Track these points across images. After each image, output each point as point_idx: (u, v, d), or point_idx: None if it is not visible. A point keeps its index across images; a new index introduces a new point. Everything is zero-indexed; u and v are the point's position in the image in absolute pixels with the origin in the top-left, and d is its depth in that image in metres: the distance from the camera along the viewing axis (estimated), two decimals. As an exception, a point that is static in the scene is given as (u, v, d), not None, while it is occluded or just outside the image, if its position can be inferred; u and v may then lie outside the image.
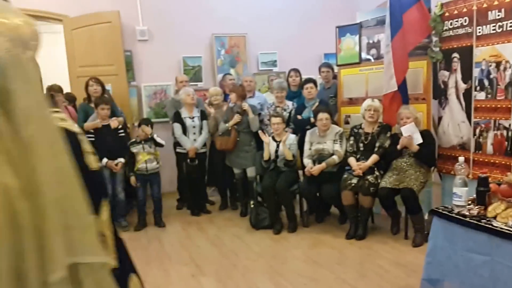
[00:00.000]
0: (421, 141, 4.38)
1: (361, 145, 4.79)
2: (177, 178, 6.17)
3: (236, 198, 5.99)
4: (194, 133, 5.64)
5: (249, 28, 7.10)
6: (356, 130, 4.88)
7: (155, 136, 5.40)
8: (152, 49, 6.81)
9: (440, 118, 4.78)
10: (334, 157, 4.84)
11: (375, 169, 4.64)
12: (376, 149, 4.69)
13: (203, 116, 5.73)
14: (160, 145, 5.38)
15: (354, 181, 4.61)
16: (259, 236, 4.88)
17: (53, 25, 6.94)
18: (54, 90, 5.30)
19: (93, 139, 5.11)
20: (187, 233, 5.13)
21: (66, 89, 6.18)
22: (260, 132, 5.15)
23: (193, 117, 5.64)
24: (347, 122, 5.52)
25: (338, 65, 5.73)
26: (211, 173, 5.99)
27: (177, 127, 5.61)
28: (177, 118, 5.63)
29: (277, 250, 4.51)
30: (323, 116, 4.87)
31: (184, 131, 5.62)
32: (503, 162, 4.08)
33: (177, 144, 5.78)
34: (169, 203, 6.28)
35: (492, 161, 4.19)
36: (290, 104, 5.57)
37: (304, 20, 7.32)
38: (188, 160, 5.62)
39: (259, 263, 4.14)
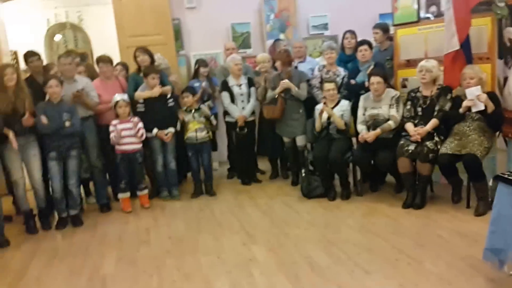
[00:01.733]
0: (483, 108, 4.07)
1: (419, 109, 4.51)
2: (227, 148, 6.13)
3: (287, 167, 5.86)
4: (242, 101, 5.54)
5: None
6: (413, 94, 4.60)
7: (202, 106, 5.36)
8: (200, 17, 6.74)
9: (505, 79, 4.40)
10: (390, 122, 4.59)
11: (435, 134, 4.36)
12: (435, 113, 4.40)
13: (251, 83, 5.60)
14: (208, 118, 5.33)
15: (412, 147, 4.35)
16: (310, 205, 4.77)
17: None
18: (103, 60, 5.30)
19: (143, 109, 5.14)
20: (237, 202, 5.08)
21: (117, 59, 6.20)
22: (323, 105, 4.90)
23: (240, 85, 5.52)
24: (404, 86, 5.22)
25: (394, 25, 5.40)
26: (261, 142, 5.88)
27: (225, 95, 5.53)
28: (225, 86, 5.54)
29: (330, 219, 4.37)
30: (374, 80, 4.61)
31: (233, 99, 5.51)
32: None
33: (226, 113, 5.70)
34: (220, 172, 6.28)
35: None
36: (342, 71, 5.34)
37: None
38: (237, 129, 5.53)
39: (311, 232, 4.03)
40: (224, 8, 6.73)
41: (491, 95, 4.19)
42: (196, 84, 5.73)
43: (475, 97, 4.08)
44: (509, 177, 2.76)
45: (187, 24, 6.76)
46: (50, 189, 4.76)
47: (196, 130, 5.25)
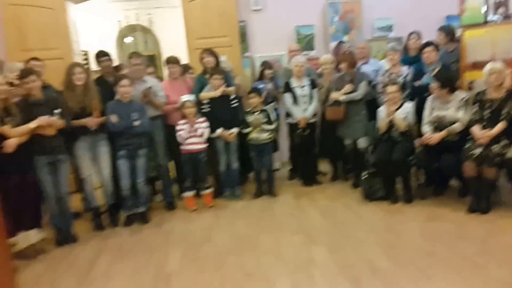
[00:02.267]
0: None
1: (486, 112, 4.38)
2: (289, 149, 6.21)
3: (348, 169, 5.87)
4: (305, 102, 5.58)
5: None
6: (480, 96, 4.47)
7: (267, 108, 5.47)
8: (266, 19, 6.85)
9: None
10: (456, 124, 4.50)
11: (502, 137, 4.23)
12: (502, 116, 4.26)
13: (313, 85, 5.64)
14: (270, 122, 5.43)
15: (478, 151, 4.25)
16: (371, 208, 4.75)
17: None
18: (171, 61, 5.53)
19: (207, 110, 5.31)
20: (298, 203, 5.14)
21: (185, 61, 6.41)
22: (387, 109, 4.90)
23: (303, 86, 5.58)
24: (470, 88, 5.08)
25: (461, 27, 5.27)
26: (322, 144, 5.90)
27: (288, 97, 5.60)
28: (287, 88, 5.61)
29: (391, 222, 4.34)
30: (434, 85, 4.59)
31: (295, 101, 5.58)
32: None
33: (288, 114, 5.78)
34: (281, 173, 6.37)
35: None
36: (405, 69, 5.29)
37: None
38: (299, 131, 5.59)
39: (371, 235, 4.02)
40: (289, 10, 6.82)
41: None
42: (261, 86, 5.86)
43: None
44: None
45: (252, 26, 6.89)
46: (119, 187, 4.92)
47: (258, 132, 5.37)
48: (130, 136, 4.74)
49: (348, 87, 5.27)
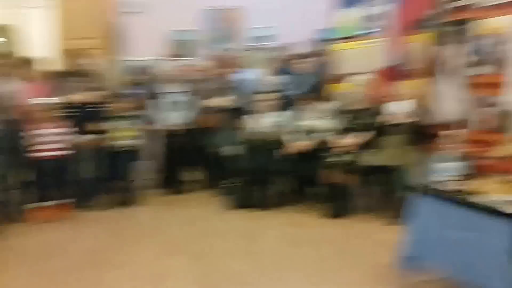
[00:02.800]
0: (410, 120, 4.18)
1: (348, 122, 4.61)
2: (157, 156, 5.98)
3: (215, 177, 5.77)
4: (180, 109, 5.48)
5: (245, 1, 6.84)
6: (344, 107, 4.70)
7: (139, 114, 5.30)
8: (142, 23, 6.62)
9: (438, 94, 4.56)
10: (321, 134, 4.67)
11: (362, 146, 4.47)
12: (364, 126, 4.50)
13: (188, 91, 5.54)
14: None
15: (336, 158, 4.46)
16: (236, 216, 4.76)
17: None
18: (29, 63, 5.14)
19: (71, 113, 4.96)
20: (162, 213, 4.97)
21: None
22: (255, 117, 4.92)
23: (177, 92, 5.49)
24: (335, 99, 5.27)
25: (333, 40, 5.49)
26: (190, 152, 5.75)
27: (160, 103, 5.48)
28: (161, 93, 5.50)
29: (254, 229, 4.36)
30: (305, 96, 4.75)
31: (167, 107, 5.45)
32: (491, 139, 3.91)
33: (158, 120, 5.58)
34: (147, 181, 6.13)
35: (479, 138, 4.03)
36: (279, 80, 5.38)
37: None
38: (168, 137, 5.47)
39: (234, 242, 4.01)
40: (168, 15, 6.66)
41: (421, 108, 4.36)
42: (132, 91, 5.65)
43: (397, 112, 4.19)
44: (425, 188, 2.91)
45: (127, 29, 6.64)
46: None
47: (123, 138, 5.13)
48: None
49: (222, 96, 5.25)
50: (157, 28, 6.61)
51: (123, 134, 5.13)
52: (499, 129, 3.83)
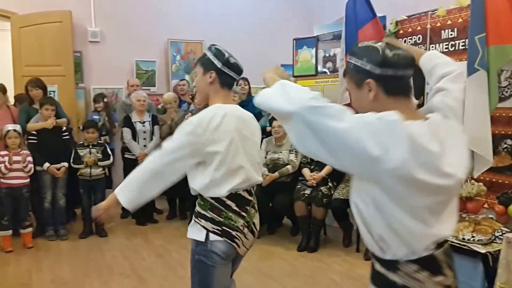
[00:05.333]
0: None
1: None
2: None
3: (186, 207, 5.76)
4: (145, 138, 5.43)
5: (206, 36, 6.99)
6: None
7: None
8: (104, 51, 6.59)
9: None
10: (288, 167, 4.75)
11: (329, 180, 4.59)
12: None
13: (155, 121, 5.51)
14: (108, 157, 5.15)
15: (308, 192, 4.54)
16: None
17: (0, 22, 6.62)
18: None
19: (35, 141, 4.85)
20: (131, 244, 4.87)
21: (10, 88, 5.82)
22: None
23: (143, 122, 5.43)
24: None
25: (294, 76, 5.69)
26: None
27: (127, 131, 5.37)
28: (127, 122, 5.40)
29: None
30: (276, 123, 4.78)
31: (134, 136, 5.38)
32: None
33: (125, 149, 5.52)
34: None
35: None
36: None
37: (263, 30, 7.32)
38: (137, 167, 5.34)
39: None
40: (129, 44, 6.66)
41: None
42: (96, 117, 5.57)
43: None
44: None
45: (89, 57, 6.57)
46: None
47: (90, 166, 5.02)
48: None
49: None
50: (120, 58, 6.59)
51: (93, 162, 5.02)
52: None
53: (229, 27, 7.13)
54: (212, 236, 2.09)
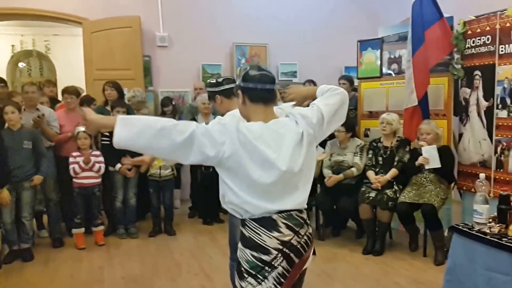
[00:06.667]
0: (439, 165, 4.27)
1: (380, 158, 4.69)
2: (190, 186, 6.10)
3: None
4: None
5: (270, 38, 7.10)
6: (375, 144, 4.78)
7: None
8: (172, 55, 6.83)
9: (460, 135, 4.70)
10: (353, 169, 4.73)
11: (394, 183, 4.53)
12: (395, 163, 4.59)
13: (220, 123, 5.62)
14: None
15: (373, 194, 4.49)
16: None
17: (72, 27, 7.00)
18: (68, 92, 5.26)
19: (108, 142, 5.07)
20: (198, 243, 5.01)
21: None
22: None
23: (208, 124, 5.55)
24: (366, 135, 5.42)
25: (358, 78, 5.66)
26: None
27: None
28: (193, 124, 5.54)
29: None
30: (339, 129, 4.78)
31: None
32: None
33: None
34: (181, 211, 6.21)
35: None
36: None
37: (326, 33, 7.31)
38: (203, 168, 5.51)
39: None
40: (196, 49, 6.87)
41: (445, 149, 4.43)
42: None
43: (429, 155, 4.27)
44: (464, 229, 2.86)
45: (157, 61, 6.83)
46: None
47: (160, 167, 5.20)
48: (16, 167, 4.37)
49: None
50: (187, 62, 6.80)
51: (159, 164, 5.15)
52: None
53: (292, 30, 7.20)
54: None
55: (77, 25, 6.66)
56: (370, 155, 4.75)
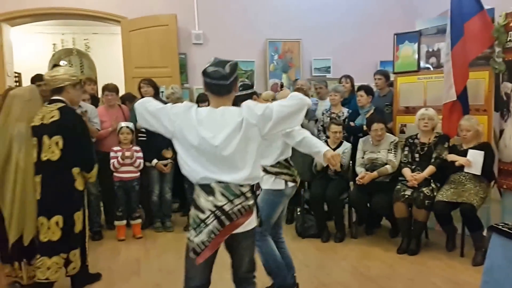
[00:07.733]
0: (479, 173, 4.16)
1: (416, 155, 4.57)
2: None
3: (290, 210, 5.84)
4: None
5: (303, 34, 7.08)
6: (411, 140, 4.67)
7: None
8: (206, 53, 6.84)
9: (501, 131, 4.51)
10: (387, 166, 4.65)
11: (431, 181, 4.42)
12: (432, 160, 4.46)
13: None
14: None
15: (408, 192, 4.39)
16: (304, 245, 4.75)
17: (111, 26, 7.14)
18: (109, 89, 5.38)
19: (144, 138, 5.18)
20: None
21: (121, 88, 6.29)
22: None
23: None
24: (402, 131, 5.31)
25: (395, 73, 5.54)
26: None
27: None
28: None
29: (323, 260, 4.35)
30: (378, 126, 4.69)
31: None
32: None
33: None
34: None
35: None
36: (345, 111, 5.45)
37: (361, 27, 7.21)
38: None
39: (303, 272, 3.95)
40: (230, 46, 6.89)
41: (486, 146, 4.29)
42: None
43: (474, 159, 4.15)
44: (503, 228, 2.76)
45: (192, 59, 6.91)
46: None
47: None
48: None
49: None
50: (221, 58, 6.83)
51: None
52: None
53: (325, 25, 7.14)
54: (290, 184, 3.20)
55: (115, 23, 6.81)
56: (406, 152, 4.65)
